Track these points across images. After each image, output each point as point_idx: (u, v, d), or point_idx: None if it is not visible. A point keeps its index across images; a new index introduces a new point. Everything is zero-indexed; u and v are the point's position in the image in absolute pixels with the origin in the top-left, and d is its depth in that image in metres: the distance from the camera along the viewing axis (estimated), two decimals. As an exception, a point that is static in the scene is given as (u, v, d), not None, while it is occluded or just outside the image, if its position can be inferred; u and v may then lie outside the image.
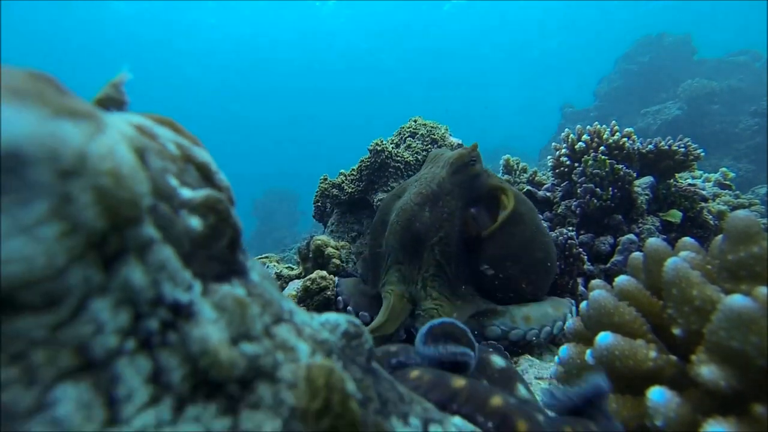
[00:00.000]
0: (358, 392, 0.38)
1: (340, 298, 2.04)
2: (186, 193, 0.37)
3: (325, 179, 2.83)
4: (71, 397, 0.29)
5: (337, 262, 2.30)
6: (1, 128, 0.26)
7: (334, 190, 2.76)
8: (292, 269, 2.54)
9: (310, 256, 2.39)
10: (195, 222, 0.36)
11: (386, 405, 0.43)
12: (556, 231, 2.27)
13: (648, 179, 2.66)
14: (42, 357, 0.29)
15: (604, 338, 0.85)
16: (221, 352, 0.33)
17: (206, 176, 0.40)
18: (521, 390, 0.69)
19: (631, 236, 2.38)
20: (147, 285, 0.32)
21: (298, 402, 0.34)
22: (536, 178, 3.04)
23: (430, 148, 2.76)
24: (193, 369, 0.32)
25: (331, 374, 0.35)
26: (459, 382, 0.53)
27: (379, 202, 2.57)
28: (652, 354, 0.80)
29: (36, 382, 0.29)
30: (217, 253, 0.37)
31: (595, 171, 2.51)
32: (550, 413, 0.58)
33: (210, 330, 0.33)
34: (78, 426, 0.29)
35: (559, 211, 2.65)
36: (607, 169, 2.48)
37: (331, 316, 0.44)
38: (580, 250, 2.19)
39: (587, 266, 2.32)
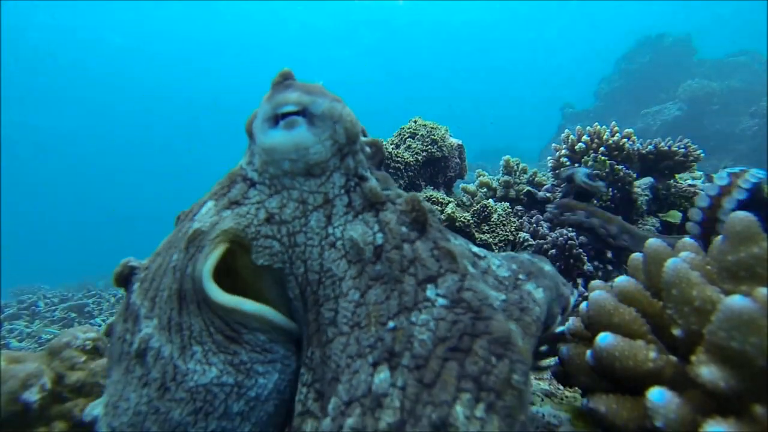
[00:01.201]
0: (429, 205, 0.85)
1: None
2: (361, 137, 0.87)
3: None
4: (316, 218, 0.78)
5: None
6: (320, 104, 0.79)
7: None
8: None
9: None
10: (367, 149, 0.87)
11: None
12: (556, 231, 2.27)
13: (648, 180, 2.66)
14: (312, 200, 0.79)
15: (604, 339, 0.85)
16: (377, 191, 0.80)
17: (364, 133, 0.94)
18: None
19: (631, 237, 2.38)
20: (353, 167, 0.81)
21: (403, 208, 0.79)
22: (536, 179, 3.04)
23: (430, 148, 2.76)
24: (364, 200, 0.79)
25: (415, 197, 0.81)
26: None
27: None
28: (652, 354, 0.80)
29: (306, 214, 0.79)
30: (378, 160, 0.91)
31: (595, 172, 2.52)
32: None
33: (373, 183, 0.81)
34: (317, 226, 0.77)
35: (559, 211, 2.65)
36: (607, 170, 2.48)
37: None
38: (580, 250, 2.19)
39: (587, 266, 2.32)
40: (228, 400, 0.76)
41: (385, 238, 0.75)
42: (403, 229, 0.77)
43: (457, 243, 0.85)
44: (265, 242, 0.77)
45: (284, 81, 0.82)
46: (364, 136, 0.94)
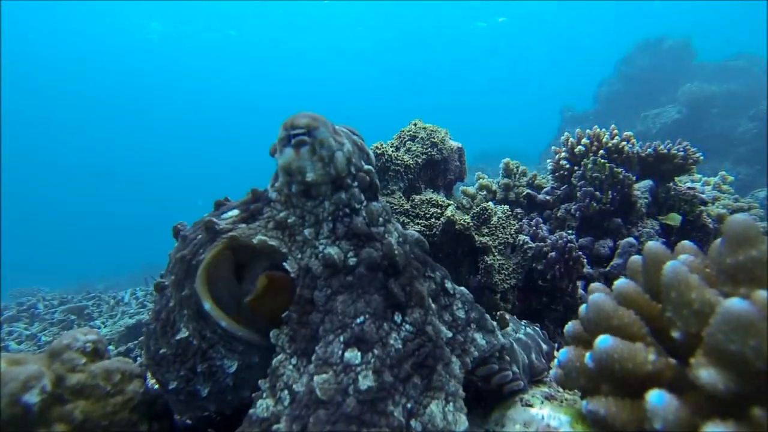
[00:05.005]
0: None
1: None
2: (364, 165, 1.11)
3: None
4: (309, 231, 1.04)
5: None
6: (322, 132, 1.01)
7: (334, 192, 2.76)
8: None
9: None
10: (364, 177, 1.08)
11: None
12: (555, 234, 2.27)
13: (647, 182, 2.66)
14: (308, 217, 1.06)
15: (604, 341, 0.85)
16: (361, 227, 1.04)
17: (368, 158, 1.15)
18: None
19: (631, 239, 2.38)
20: (347, 199, 1.04)
21: (383, 253, 1.03)
22: (536, 182, 3.04)
23: (430, 151, 2.76)
24: (348, 230, 1.03)
25: (391, 250, 1.02)
26: None
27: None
28: (651, 357, 0.80)
29: (304, 225, 1.05)
30: (373, 191, 1.10)
31: (594, 174, 2.52)
32: None
33: (360, 220, 1.05)
34: (309, 236, 1.04)
35: (558, 214, 2.65)
36: (606, 173, 2.49)
37: None
38: (580, 253, 2.19)
39: (587, 269, 2.32)
40: (195, 359, 1.02)
41: (357, 262, 1.00)
42: (380, 274, 1.01)
43: (435, 275, 1.12)
44: (269, 239, 1.04)
45: (298, 112, 1.05)
46: (368, 163, 1.12)
